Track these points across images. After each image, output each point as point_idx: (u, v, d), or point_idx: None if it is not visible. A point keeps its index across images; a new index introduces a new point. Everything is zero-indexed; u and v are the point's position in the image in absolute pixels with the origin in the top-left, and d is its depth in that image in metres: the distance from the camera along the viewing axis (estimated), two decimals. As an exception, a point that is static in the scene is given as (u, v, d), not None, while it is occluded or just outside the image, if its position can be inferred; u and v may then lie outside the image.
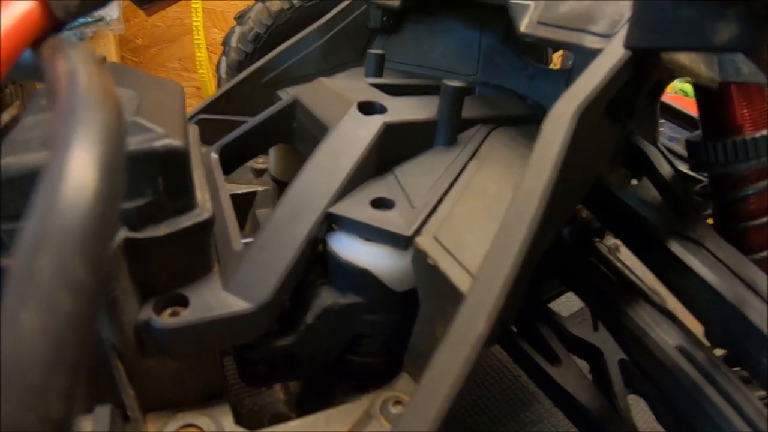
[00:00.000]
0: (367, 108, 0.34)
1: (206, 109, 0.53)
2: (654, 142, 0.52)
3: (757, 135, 0.40)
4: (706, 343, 0.40)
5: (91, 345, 0.11)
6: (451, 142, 0.36)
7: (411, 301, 0.30)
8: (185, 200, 0.29)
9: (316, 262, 0.33)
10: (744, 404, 0.35)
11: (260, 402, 0.41)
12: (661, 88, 0.33)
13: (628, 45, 0.27)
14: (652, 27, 0.25)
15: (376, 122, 0.33)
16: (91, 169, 0.12)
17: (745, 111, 0.40)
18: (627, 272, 0.46)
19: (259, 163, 0.54)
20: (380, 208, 0.31)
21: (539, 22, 0.34)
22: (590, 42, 0.31)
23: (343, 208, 0.30)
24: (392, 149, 0.34)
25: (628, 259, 0.46)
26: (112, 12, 1.25)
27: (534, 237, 0.23)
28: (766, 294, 0.36)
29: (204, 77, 1.52)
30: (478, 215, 0.30)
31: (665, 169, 0.42)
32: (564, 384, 0.43)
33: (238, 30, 0.76)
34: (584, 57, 0.30)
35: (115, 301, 0.26)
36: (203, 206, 0.30)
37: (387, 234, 0.29)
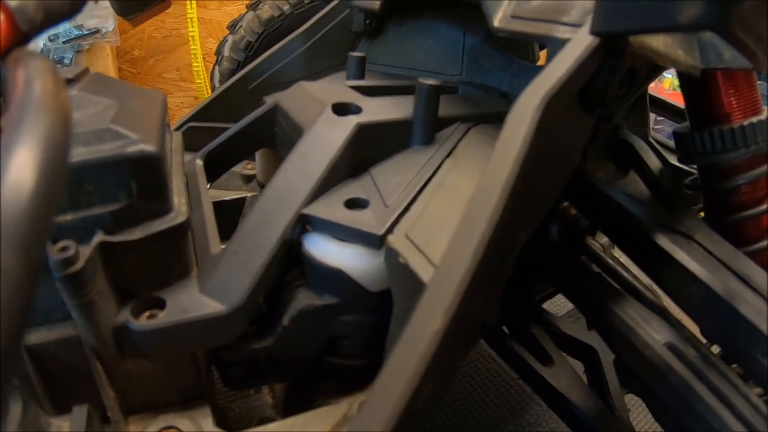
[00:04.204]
0: (342, 109, 0.35)
1: (195, 117, 0.55)
2: (645, 136, 0.52)
3: (746, 123, 0.39)
4: (704, 340, 0.40)
5: (22, 329, 0.12)
6: (428, 140, 0.36)
7: (387, 301, 0.31)
8: (160, 204, 0.30)
9: (293, 264, 0.33)
10: (739, 403, 0.35)
11: (248, 406, 0.42)
12: (636, 77, 0.33)
13: (594, 31, 0.27)
14: (617, 10, 0.26)
15: (349, 123, 0.34)
16: (29, 170, 0.14)
17: (732, 99, 0.40)
18: (619, 269, 0.46)
19: (248, 169, 0.56)
20: (354, 208, 0.31)
21: (512, 16, 0.35)
22: (561, 32, 0.32)
23: (316, 209, 0.31)
24: (367, 149, 0.35)
25: (623, 256, 0.46)
26: (107, 24, 1.29)
27: (495, 231, 0.23)
28: (761, 287, 0.36)
29: (201, 87, 1.56)
30: (451, 213, 0.31)
31: (653, 163, 0.42)
32: (556, 385, 0.43)
33: (230, 39, 0.78)
34: (556, 48, 0.31)
35: (92, 304, 0.27)
36: (179, 210, 0.31)
37: (359, 233, 0.30)
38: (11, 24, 0.21)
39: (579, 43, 0.27)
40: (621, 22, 0.26)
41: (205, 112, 0.55)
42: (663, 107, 0.62)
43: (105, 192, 0.28)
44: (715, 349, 0.42)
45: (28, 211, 0.13)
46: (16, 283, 0.12)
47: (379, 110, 0.36)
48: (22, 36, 0.21)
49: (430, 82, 0.35)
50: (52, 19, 0.22)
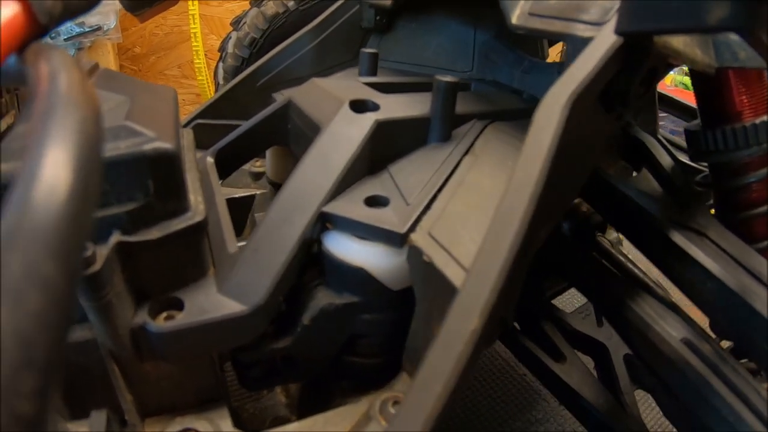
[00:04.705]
0: (359, 106, 0.34)
1: (202, 114, 0.53)
2: (654, 133, 0.51)
3: (757, 121, 0.39)
4: (712, 335, 0.40)
5: (62, 343, 0.11)
6: (446, 138, 0.35)
7: (408, 299, 0.30)
8: (177, 203, 0.29)
9: (312, 263, 0.32)
10: (752, 396, 0.34)
11: (261, 406, 0.41)
12: (656, 76, 0.32)
13: (619, 30, 0.26)
14: (643, 10, 0.25)
15: (368, 120, 0.33)
16: (63, 170, 0.12)
17: (743, 97, 0.40)
18: (630, 265, 0.45)
19: (257, 166, 0.54)
20: (374, 206, 0.31)
21: (530, 14, 0.34)
22: (582, 30, 0.31)
23: (336, 207, 0.30)
24: (385, 147, 0.34)
25: (630, 252, 0.46)
26: (109, 21, 1.26)
27: (527, 229, 0.22)
28: (772, 283, 0.36)
29: (203, 84, 1.53)
30: (473, 211, 0.30)
31: (665, 160, 0.41)
32: (568, 381, 0.43)
33: (234, 35, 0.76)
34: (576, 46, 0.30)
35: (110, 305, 0.26)
36: (196, 209, 0.30)
37: (381, 232, 0.29)
38: (30, 16, 0.19)
39: (603, 42, 0.27)
40: (647, 23, 0.25)
41: (213, 109, 0.53)
42: (668, 104, 0.62)
43: (122, 191, 0.27)
44: (724, 344, 0.42)
45: (66, 214, 0.11)
46: (57, 292, 0.11)
47: (397, 107, 0.35)
48: (40, 29, 0.20)
49: (448, 78, 0.34)
50: (71, 11, 0.21)
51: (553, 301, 0.51)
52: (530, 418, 0.60)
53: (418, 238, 0.28)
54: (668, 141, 0.54)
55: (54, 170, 0.12)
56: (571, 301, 0.69)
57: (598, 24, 0.31)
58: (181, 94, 1.66)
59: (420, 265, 0.27)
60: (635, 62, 0.28)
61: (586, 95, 0.26)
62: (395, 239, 0.28)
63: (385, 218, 0.29)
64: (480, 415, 0.61)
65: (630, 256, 0.47)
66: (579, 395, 0.43)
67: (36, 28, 0.20)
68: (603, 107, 0.31)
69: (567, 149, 0.26)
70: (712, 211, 0.44)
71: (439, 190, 0.31)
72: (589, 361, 0.47)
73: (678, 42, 0.29)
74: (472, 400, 0.63)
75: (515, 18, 0.35)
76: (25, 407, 0.10)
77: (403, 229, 0.28)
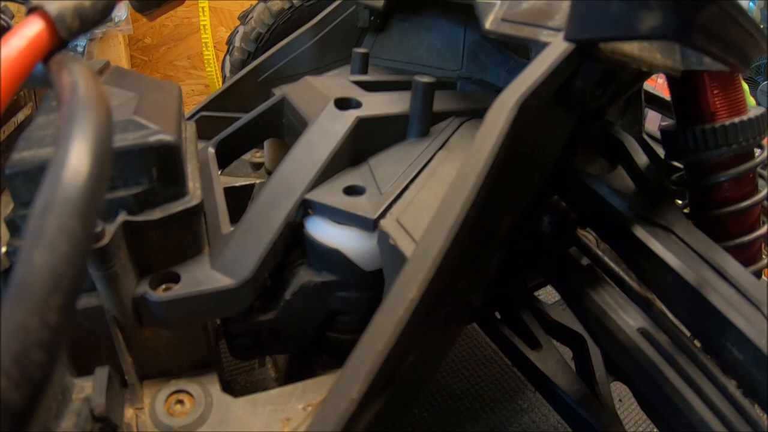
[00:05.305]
0: (343, 104, 0.39)
1: (207, 107, 0.59)
2: (638, 132, 0.55)
3: (728, 122, 0.42)
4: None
5: (81, 278, 0.16)
6: (423, 134, 0.40)
7: (380, 280, 0.35)
8: (177, 188, 0.34)
9: (296, 244, 0.38)
10: (706, 387, 0.37)
11: (252, 379, 0.46)
12: (615, 79, 0.36)
13: (567, 38, 0.30)
14: (587, 19, 0.29)
15: (350, 117, 0.37)
16: (84, 158, 0.18)
17: (716, 99, 0.43)
18: (606, 260, 0.49)
19: (257, 157, 0.60)
20: (352, 194, 0.35)
21: (503, 19, 0.38)
22: (545, 36, 0.35)
23: (317, 195, 0.35)
24: (366, 141, 0.38)
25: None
26: (120, 13, 1.34)
27: (470, 213, 0.27)
28: (734, 278, 0.39)
29: (211, 75, 1.60)
30: (439, 200, 0.35)
31: (640, 159, 0.45)
32: (542, 368, 0.47)
33: (241, 30, 0.82)
34: (539, 51, 0.34)
35: (115, 276, 0.31)
36: (194, 194, 0.35)
37: (355, 217, 0.34)
38: (53, 32, 0.25)
39: (555, 48, 0.31)
40: (590, 31, 0.29)
41: (217, 102, 0.59)
42: (658, 103, 0.65)
43: (128, 177, 0.32)
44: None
45: (86, 188, 0.17)
46: (78, 243, 0.16)
47: (378, 105, 0.39)
48: (61, 42, 0.25)
49: (426, 79, 0.38)
50: (87, 25, 0.27)
51: (538, 294, 0.55)
52: (516, 407, 0.64)
53: (386, 223, 0.33)
54: (656, 139, 0.57)
55: (77, 158, 0.17)
56: (555, 293, 0.73)
57: (559, 30, 0.35)
58: (191, 85, 1.74)
59: (387, 247, 0.32)
60: (588, 66, 0.32)
61: (535, 98, 0.30)
62: (367, 224, 0.33)
63: (360, 206, 0.34)
64: (467, 401, 0.65)
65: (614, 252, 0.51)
66: (552, 382, 0.47)
67: (58, 41, 0.25)
68: (562, 107, 0.35)
69: (520, 144, 0.30)
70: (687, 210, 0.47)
71: (412, 181, 0.36)
72: (568, 352, 0.51)
73: (631, 47, 0.33)
74: (459, 387, 0.67)
75: (488, 23, 0.39)
76: (54, 317, 0.15)
77: (374, 216, 0.33)
